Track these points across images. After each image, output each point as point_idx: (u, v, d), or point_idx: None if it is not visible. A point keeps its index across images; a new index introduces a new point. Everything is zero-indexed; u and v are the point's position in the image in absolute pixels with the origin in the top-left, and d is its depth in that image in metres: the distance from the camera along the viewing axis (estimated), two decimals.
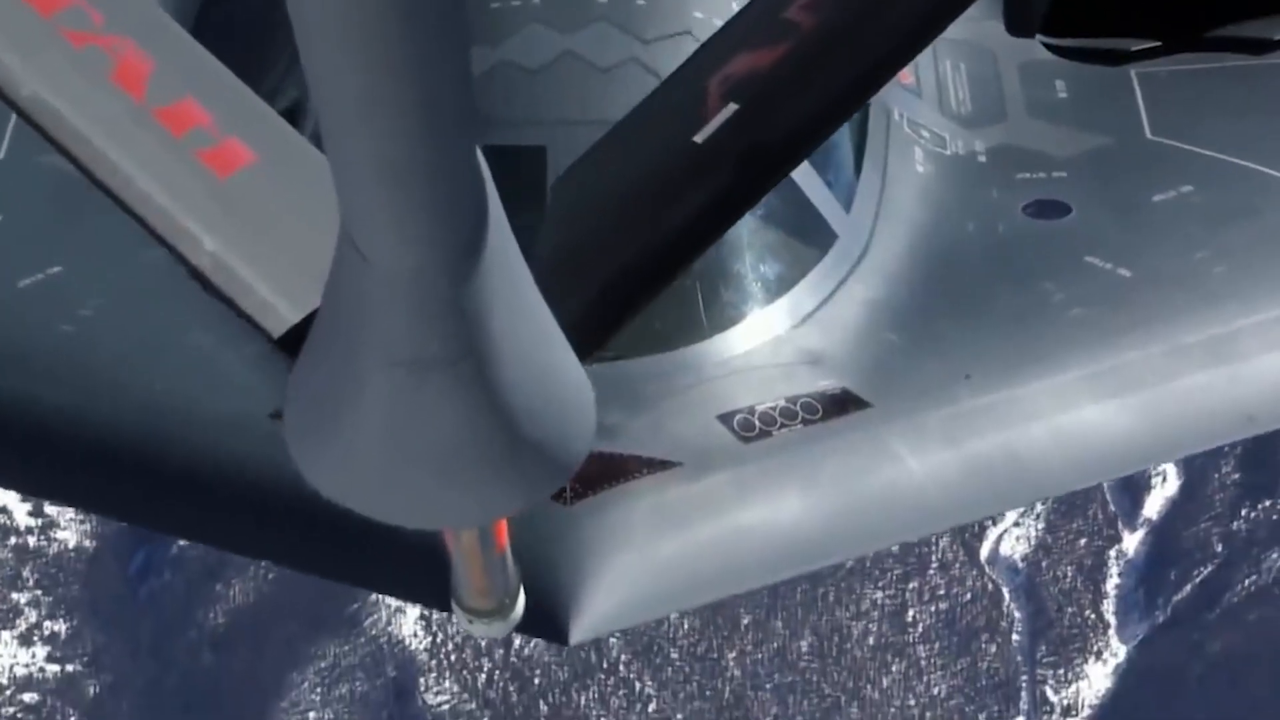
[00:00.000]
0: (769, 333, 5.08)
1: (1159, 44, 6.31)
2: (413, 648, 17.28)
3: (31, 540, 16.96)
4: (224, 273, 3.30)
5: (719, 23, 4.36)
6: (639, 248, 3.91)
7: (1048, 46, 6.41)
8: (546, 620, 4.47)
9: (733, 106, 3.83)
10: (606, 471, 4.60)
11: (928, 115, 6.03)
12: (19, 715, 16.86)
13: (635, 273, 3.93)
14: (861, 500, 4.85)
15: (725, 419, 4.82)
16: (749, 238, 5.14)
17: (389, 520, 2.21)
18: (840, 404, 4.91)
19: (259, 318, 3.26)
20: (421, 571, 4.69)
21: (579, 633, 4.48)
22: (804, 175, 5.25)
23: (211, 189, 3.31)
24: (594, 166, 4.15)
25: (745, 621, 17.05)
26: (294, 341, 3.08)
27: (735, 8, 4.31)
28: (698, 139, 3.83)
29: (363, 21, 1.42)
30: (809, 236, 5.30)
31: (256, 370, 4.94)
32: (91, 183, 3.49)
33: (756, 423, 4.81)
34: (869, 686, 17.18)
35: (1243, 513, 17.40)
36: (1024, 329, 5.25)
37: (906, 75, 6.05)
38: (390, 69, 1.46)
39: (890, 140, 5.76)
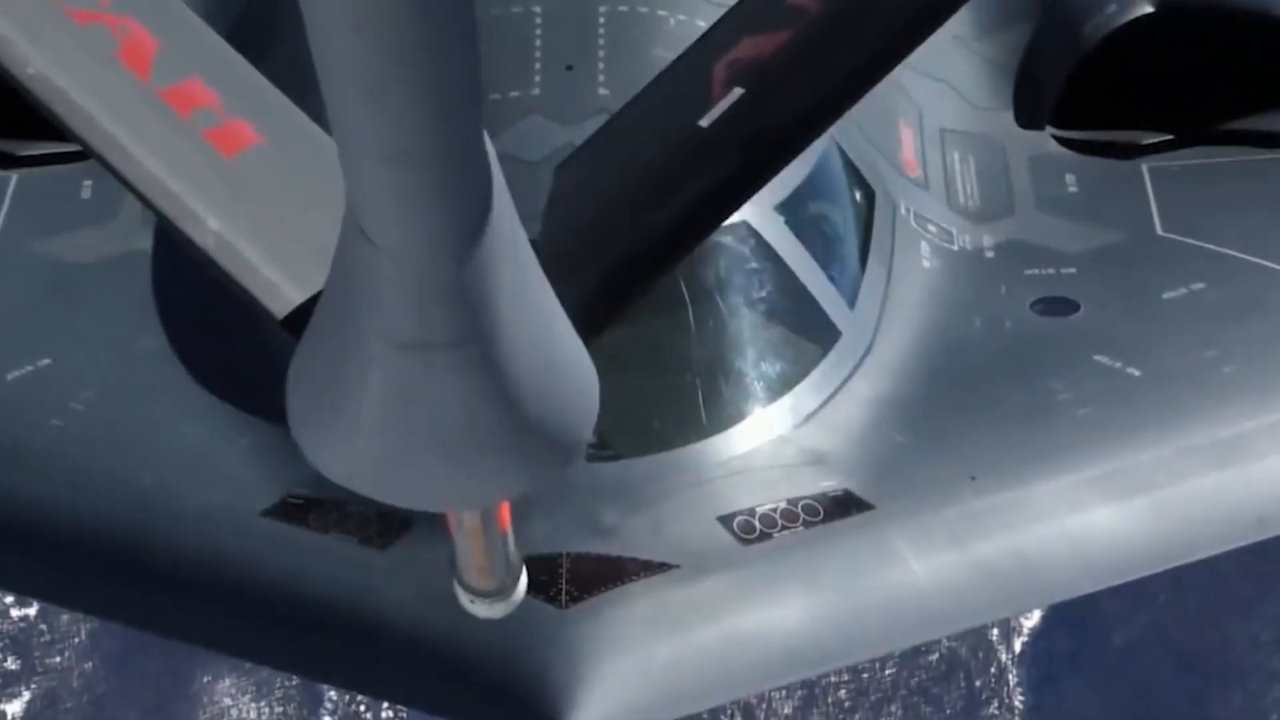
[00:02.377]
0: (770, 432, 5.01)
1: (1171, 137, 6.26)
2: None
3: None
4: (228, 253, 3.26)
5: None
6: (643, 232, 3.86)
7: (1058, 139, 6.35)
8: None
9: (738, 91, 3.79)
10: (603, 573, 4.53)
11: (935, 209, 5.96)
12: None
13: (640, 257, 3.88)
14: (864, 604, 4.77)
15: (725, 520, 4.75)
16: (751, 335, 5.08)
17: (393, 502, 2.22)
18: (843, 505, 4.84)
19: (263, 298, 3.22)
20: (416, 673, 4.61)
21: None
22: (807, 270, 5.20)
23: (217, 169, 3.29)
24: (599, 151, 4.11)
25: None
26: (298, 322, 3.04)
27: None
28: (703, 123, 3.78)
29: (371, 4, 1.41)
30: (812, 333, 5.23)
31: (249, 465, 4.93)
32: (97, 162, 3.47)
33: (757, 524, 4.73)
34: None
35: None
36: (1031, 428, 5.17)
37: (913, 168, 6.00)
38: (398, 51, 1.46)
39: (896, 235, 5.69)
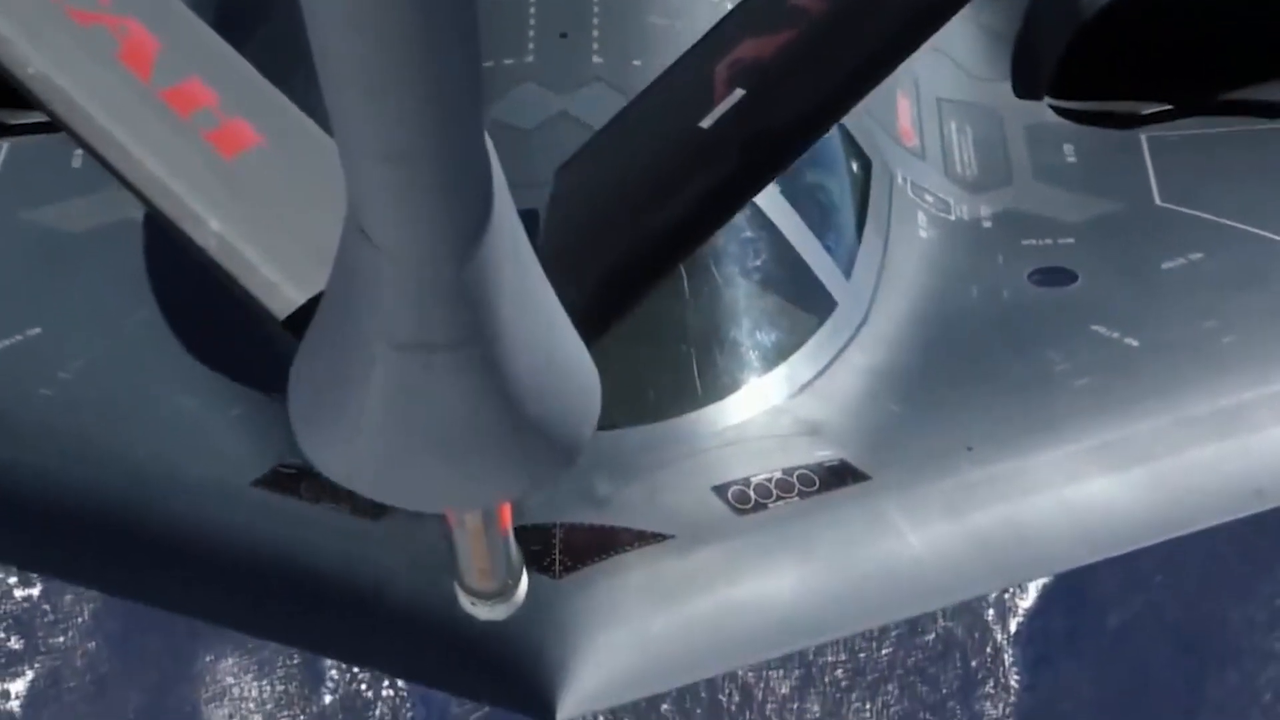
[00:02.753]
0: (766, 402, 4.98)
1: (1169, 107, 6.22)
2: None
3: None
4: (229, 253, 3.27)
5: None
6: (645, 233, 3.86)
7: (1056, 109, 6.31)
8: (533, 696, 4.37)
9: (740, 92, 3.79)
10: (597, 544, 4.51)
11: (932, 179, 5.93)
12: None
13: (641, 258, 3.88)
14: (859, 575, 4.73)
15: (720, 491, 4.72)
16: (746, 304, 5.05)
17: (394, 502, 2.21)
18: (838, 476, 4.81)
19: (264, 299, 3.22)
20: (410, 645, 4.59)
21: (566, 710, 4.36)
22: (803, 240, 5.18)
23: (217, 169, 3.29)
24: (600, 151, 4.11)
25: None
26: (299, 323, 3.05)
27: None
28: (704, 124, 3.78)
29: (371, 3, 1.41)
30: (807, 303, 5.20)
31: (240, 436, 4.89)
32: (96, 161, 3.48)
33: (752, 495, 4.71)
34: None
35: None
36: (1028, 399, 5.14)
37: (910, 137, 5.97)
38: (398, 51, 1.46)
39: (893, 205, 5.66)
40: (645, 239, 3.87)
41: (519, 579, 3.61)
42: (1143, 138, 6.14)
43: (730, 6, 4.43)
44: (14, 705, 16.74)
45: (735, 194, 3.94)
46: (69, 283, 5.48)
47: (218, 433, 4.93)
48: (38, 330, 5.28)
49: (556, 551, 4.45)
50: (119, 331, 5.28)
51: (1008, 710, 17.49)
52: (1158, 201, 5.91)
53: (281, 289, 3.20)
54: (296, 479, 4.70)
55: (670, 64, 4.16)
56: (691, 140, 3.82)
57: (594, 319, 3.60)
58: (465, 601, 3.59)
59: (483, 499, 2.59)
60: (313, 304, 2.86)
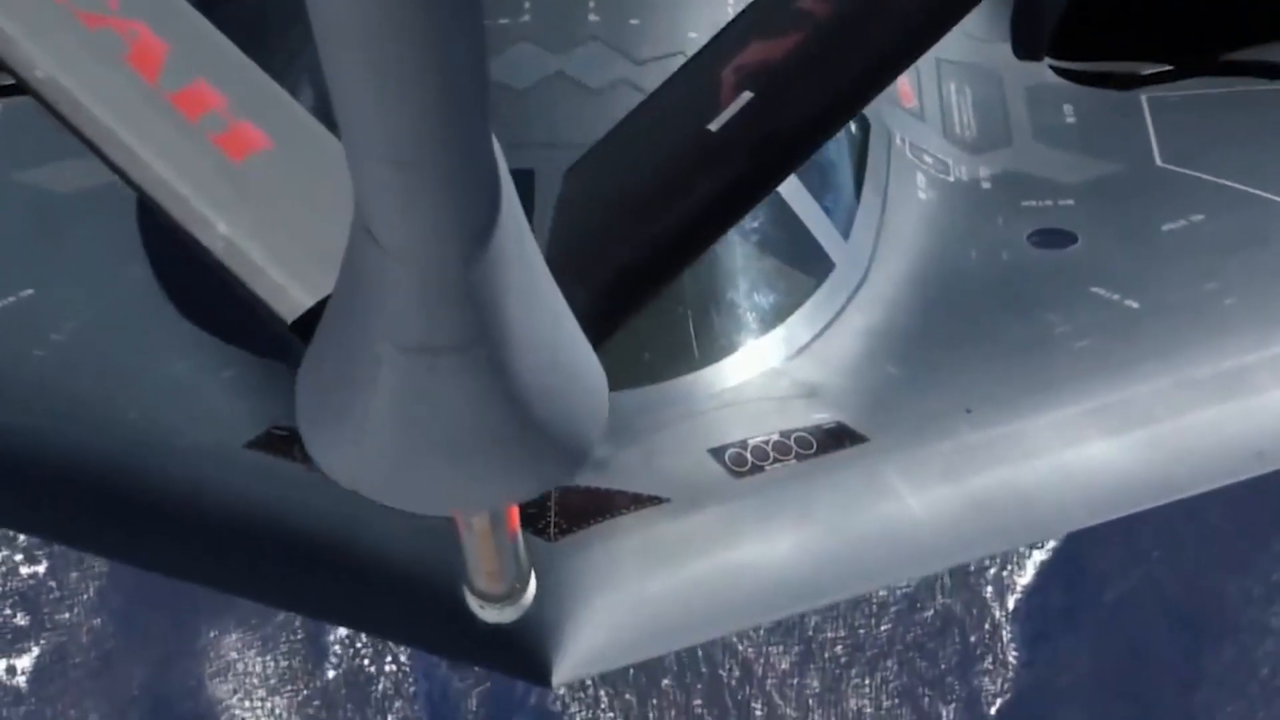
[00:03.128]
0: (763, 364, 4.95)
1: (1170, 68, 6.18)
2: None
3: None
4: (237, 256, 3.26)
5: None
6: (652, 236, 3.83)
7: (1056, 70, 6.27)
8: (528, 660, 4.35)
9: (747, 95, 3.77)
10: (592, 506, 4.48)
11: (931, 140, 5.88)
12: None
13: (648, 261, 3.85)
14: (857, 538, 4.70)
15: (716, 453, 4.69)
16: (743, 266, 5.01)
17: (401, 506, 2.21)
18: (836, 438, 4.77)
19: (272, 302, 3.21)
20: (402, 608, 4.57)
21: (562, 674, 4.34)
22: (801, 201, 5.14)
23: (225, 173, 3.29)
24: (607, 154, 4.08)
25: None
26: (307, 326, 3.05)
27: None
28: (712, 127, 3.77)
29: (379, 7, 1.42)
30: (805, 264, 5.16)
31: (233, 397, 4.86)
32: (105, 165, 3.48)
33: (749, 457, 4.67)
34: None
35: None
36: (1027, 361, 5.10)
37: (909, 98, 5.93)
38: (407, 55, 1.47)
39: (891, 166, 5.62)
40: (652, 242, 3.83)
41: (527, 582, 3.57)
42: (1143, 99, 6.10)
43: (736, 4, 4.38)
44: (20, 681, 16.84)
45: (743, 197, 3.91)
46: (62, 244, 5.45)
47: (211, 395, 4.90)
48: (30, 292, 5.25)
49: (552, 514, 4.42)
50: (112, 293, 5.25)
51: (1006, 685, 17.58)
52: (1158, 163, 5.87)
53: (289, 292, 3.18)
54: (290, 441, 4.66)
55: (679, 67, 4.14)
56: (699, 143, 3.80)
57: (600, 321, 3.58)
58: (473, 604, 3.55)
59: (490, 501, 2.59)
60: (320, 307, 2.87)
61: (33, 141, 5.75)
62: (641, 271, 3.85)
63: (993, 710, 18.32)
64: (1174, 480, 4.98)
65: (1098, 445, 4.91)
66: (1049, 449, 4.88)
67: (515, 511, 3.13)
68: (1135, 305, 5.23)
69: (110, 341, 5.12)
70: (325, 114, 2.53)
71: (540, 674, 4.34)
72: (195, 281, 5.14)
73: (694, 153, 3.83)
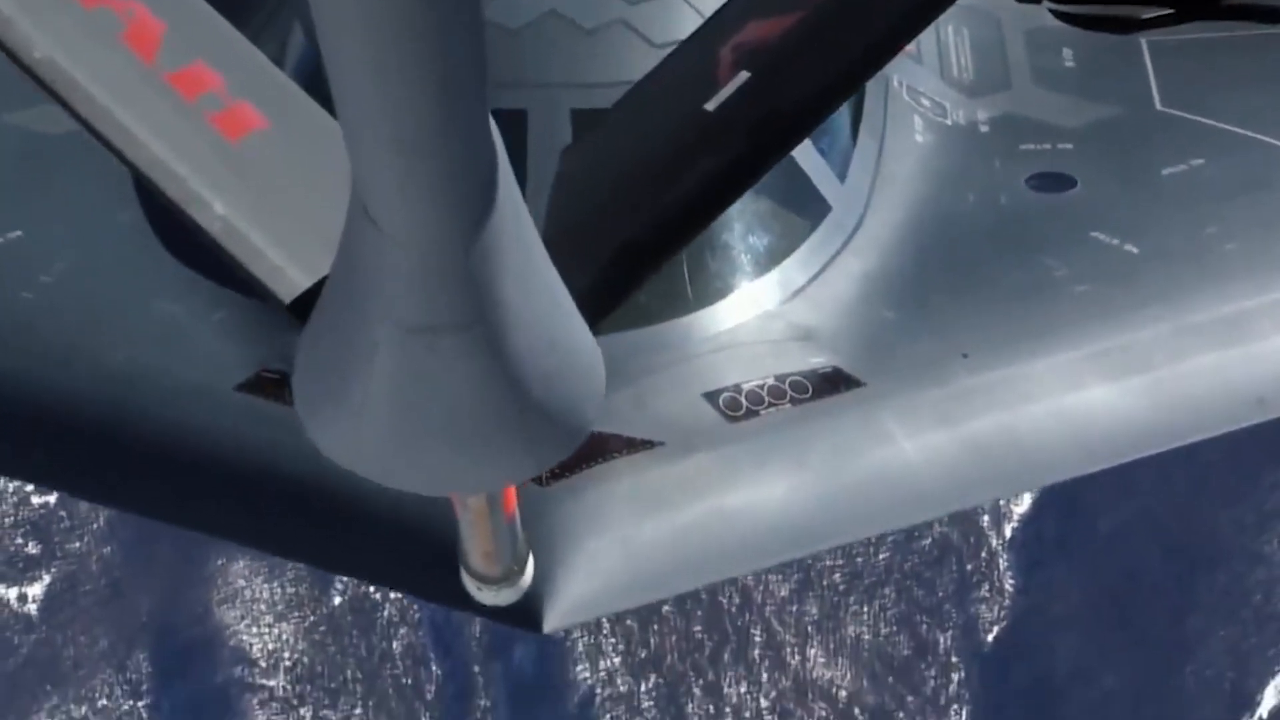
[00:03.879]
0: (758, 308, 4.91)
1: (1171, 11, 6.12)
2: None
3: None
4: (234, 237, 3.26)
5: None
6: (649, 215, 3.83)
7: (1055, 13, 6.22)
8: (519, 607, 4.17)
9: (745, 75, 3.76)
10: (584, 451, 4.37)
11: (928, 83, 5.83)
12: None
13: (645, 240, 3.84)
14: (853, 483, 4.67)
15: (711, 397, 4.65)
16: (738, 208, 4.91)
17: (399, 486, 2.20)
18: (832, 382, 4.73)
19: (269, 283, 3.21)
20: (392, 554, 4.54)
21: (553, 620, 4.32)
22: None
23: (222, 153, 3.28)
24: (605, 133, 4.08)
25: None
26: (305, 307, 3.02)
27: None
28: (709, 107, 3.76)
29: None
30: (801, 207, 5.11)
31: (223, 340, 4.82)
32: (102, 145, 3.47)
33: (743, 401, 4.64)
34: None
35: None
36: (1025, 306, 5.06)
37: None
38: (404, 34, 1.46)
39: (888, 108, 5.56)
40: (649, 222, 3.84)
41: (524, 563, 3.57)
42: (1143, 42, 6.05)
43: None
44: (31, 608, 17.02)
45: (740, 177, 3.91)
46: (50, 185, 5.39)
47: (200, 337, 4.87)
48: (19, 233, 5.20)
49: None
50: (101, 234, 5.20)
51: (1002, 613, 17.74)
52: (1158, 106, 5.82)
53: (286, 273, 3.18)
54: (280, 383, 4.64)
55: (677, 45, 4.13)
56: (696, 123, 3.79)
57: (597, 302, 3.59)
58: (470, 586, 3.55)
59: (487, 482, 2.58)
60: (318, 288, 2.82)
61: (19, 83, 5.69)
62: (638, 251, 3.85)
63: (989, 637, 18.51)
64: (1173, 427, 4.95)
65: (1096, 391, 4.87)
66: (1047, 394, 4.84)
67: (513, 493, 3.12)
68: (1135, 250, 5.19)
69: (100, 283, 5.07)
70: (316, 89, 2.52)
71: (531, 620, 4.31)
72: (187, 222, 5.12)
73: (691, 132, 3.82)
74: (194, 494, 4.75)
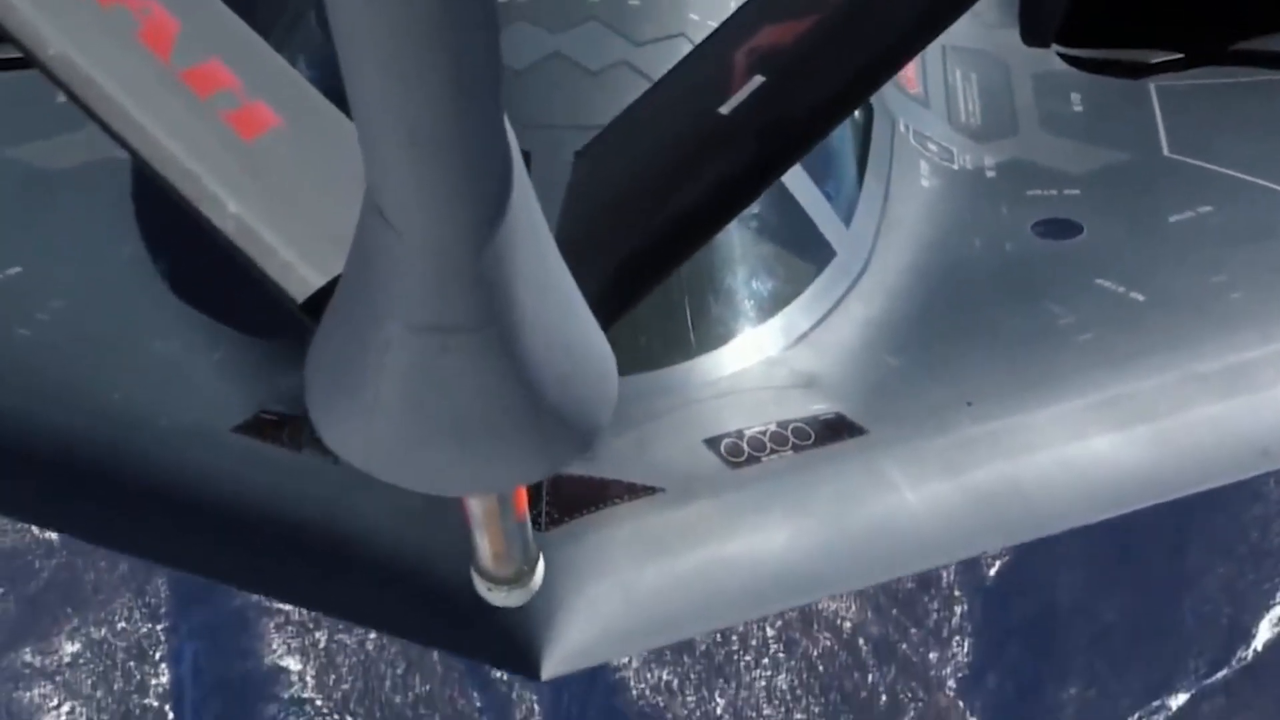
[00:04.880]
0: (760, 353, 4.88)
1: (1180, 56, 6.07)
2: None
3: None
4: (248, 236, 3.26)
5: (714, 25, 4.19)
6: (662, 218, 3.82)
7: (1064, 57, 6.16)
8: (517, 653, 4.29)
9: (759, 79, 3.74)
10: (584, 496, 4.41)
11: (935, 127, 5.80)
12: None
13: (658, 244, 3.84)
14: (855, 531, 4.63)
15: (712, 443, 4.62)
16: (741, 252, 4.92)
17: (410, 486, 2.20)
18: (834, 429, 4.70)
19: (282, 282, 3.21)
20: (392, 599, 4.51)
21: (552, 666, 4.28)
22: (801, 188, 5.04)
23: (237, 151, 3.29)
24: (618, 136, 4.06)
25: None
26: (317, 306, 3.06)
27: (733, 9, 4.16)
28: (723, 111, 3.74)
29: None
30: (805, 252, 5.07)
31: (222, 380, 4.79)
32: (116, 143, 3.48)
33: (745, 447, 4.61)
34: None
35: None
36: (1030, 353, 5.02)
37: (914, 84, 5.82)
38: (419, 34, 1.47)
39: (895, 152, 5.52)
40: (662, 225, 3.82)
41: (535, 565, 3.59)
42: (1151, 87, 6.00)
43: None
44: (52, 534, 17.06)
45: (753, 181, 3.89)
46: (51, 221, 5.36)
47: (199, 376, 4.83)
48: (17, 269, 5.18)
49: (543, 503, 4.35)
50: (101, 271, 5.17)
51: (1004, 550, 17.87)
52: (1166, 153, 5.77)
53: (299, 271, 3.17)
54: (278, 425, 4.61)
55: (691, 49, 4.11)
56: (710, 127, 3.77)
57: (610, 303, 3.59)
58: (481, 587, 3.58)
59: (498, 483, 2.58)
60: (331, 287, 2.86)
61: (21, 117, 5.64)
62: (651, 254, 3.84)
63: (991, 572, 18.74)
64: (1177, 477, 4.91)
65: (1100, 440, 4.83)
66: (1050, 444, 4.80)
67: (523, 493, 3.13)
68: (1140, 298, 5.15)
69: (98, 320, 5.04)
70: (330, 88, 2.52)
71: (530, 667, 4.28)
72: (189, 258, 5.10)
73: (705, 136, 3.81)
74: (190, 536, 4.72)
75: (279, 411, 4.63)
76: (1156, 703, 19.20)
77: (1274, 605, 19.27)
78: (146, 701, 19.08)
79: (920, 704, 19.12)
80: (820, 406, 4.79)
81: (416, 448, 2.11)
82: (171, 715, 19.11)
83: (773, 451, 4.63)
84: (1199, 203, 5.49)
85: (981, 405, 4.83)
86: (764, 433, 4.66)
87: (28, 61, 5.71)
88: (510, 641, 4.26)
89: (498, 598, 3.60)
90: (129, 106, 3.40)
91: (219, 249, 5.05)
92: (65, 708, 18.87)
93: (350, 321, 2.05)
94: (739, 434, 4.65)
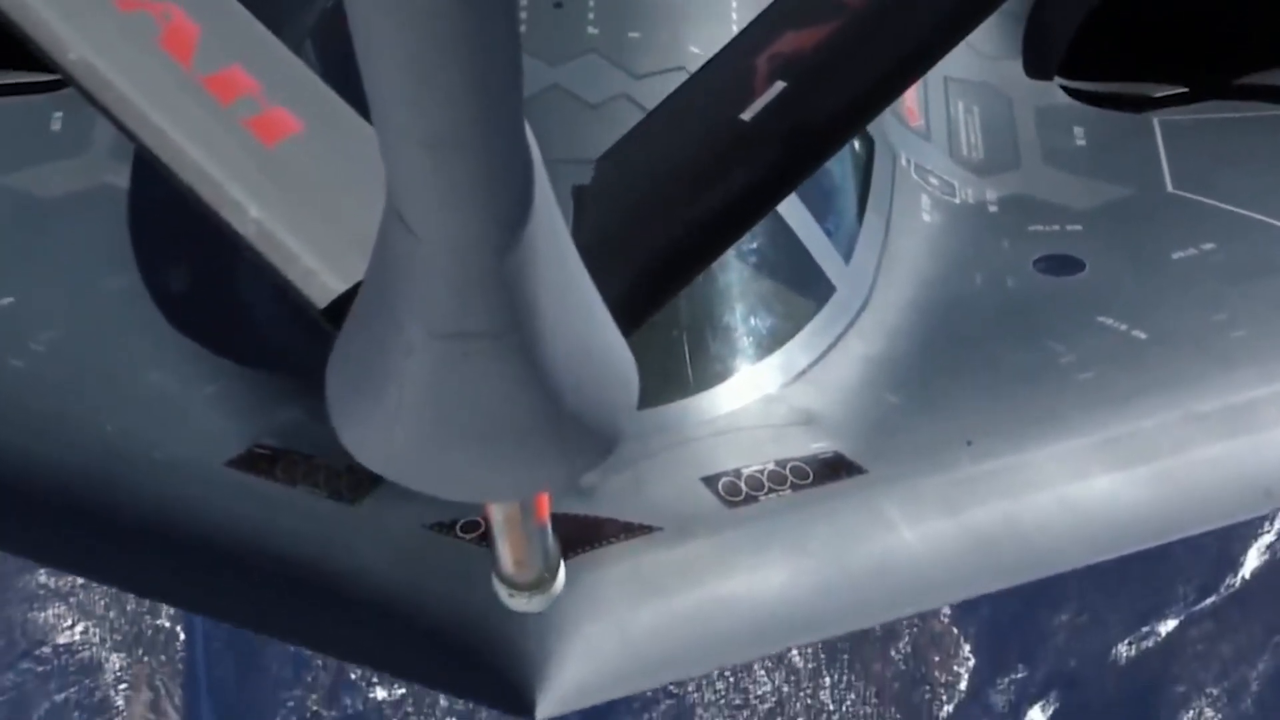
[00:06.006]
0: (759, 391, 4.82)
1: (1184, 90, 6.05)
2: None
3: None
4: (269, 241, 3.28)
5: None
6: (683, 224, 3.82)
7: (1067, 90, 6.15)
8: (511, 693, 4.23)
9: (780, 85, 3.76)
10: (580, 535, 4.36)
11: (937, 161, 5.76)
12: None
13: (679, 250, 3.84)
14: (853, 571, 4.58)
15: (709, 482, 4.57)
16: (741, 288, 4.89)
17: (432, 493, 2.20)
18: (833, 468, 4.65)
19: (303, 287, 3.22)
20: (386, 637, 4.46)
21: (546, 707, 4.21)
22: (801, 222, 5.01)
23: (258, 157, 3.31)
24: (639, 142, 4.07)
25: None
26: (339, 312, 3.07)
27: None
28: (745, 116, 3.77)
29: None
30: (805, 288, 5.03)
31: (217, 413, 4.74)
32: (137, 148, 3.49)
33: (743, 486, 4.56)
34: None
35: None
36: (1031, 391, 4.97)
37: (915, 117, 5.80)
38: (440, 39, 1.46)
39: (896, 186, 5.49)
40: (684, 231, 3.82)
41: (556, 571, 3.61)
42: (1155, 121, 5.98)
43: None
44: None
45: (775, 186, 3.90)
46: (44, 250, 5.32)
47: (192, 409, 4.79)
48: (10, 300, 5.13)
49: None
50: (95, 301, 5.13)
51: None
52: (1170, 188, 5.74)
53: (321, 277, 3.19)
54: (272, 460, 4.57)
55: (713, 55, 4.13)
56: (732, 132, 3.78)
57: (632, 310, 3.59)
58: (502, 592, 3.58)
59: (519, 490, 2.59)
60: (352, 293, 2.83)
61: (16, 144, 5.66)
62: (672, 260, 3.83)
63: None
64: (1178, 517, 4.86)
65: (1101, 480, 4.79)
66: (1051, 483, 4.76)
67: (545, 499, 3.12)
68: (1143, 336, 5.10)
69: (91, 352, 5.00)
70: (351, 94, 2.50)
71: (524, 708, 4.21)
72: (185, 288, 5.05)
73: (726, 141, 3.82)
74: (182, 571, 4.67)
75: (273, 446, 4.60)
76: (1146, 629, 20.00)
77: (1261, 534, 20.08)
78: (159, 622, 19.66)
79: (915, 629, 19.88)
80: (819, 445, 4.73)
81: (437, 454, 2.11)
82: (183, 636, 19.72)
83: (771, 491, 4.58)
84: (1202, 239, 5.44)
85: (981, 444, 4.79)
86: (762, 471, 4.61)
87: (21, 88, 5.74)
88: (505, 682, 4.21)
89: (519, 604, 3.61)
90: (150, 112, 3.42)
91: (215, 279, 4.98)
92: (79, 628, 19.50)
93: (371, 327, 2.05)
94: (737, 473, 4.60)
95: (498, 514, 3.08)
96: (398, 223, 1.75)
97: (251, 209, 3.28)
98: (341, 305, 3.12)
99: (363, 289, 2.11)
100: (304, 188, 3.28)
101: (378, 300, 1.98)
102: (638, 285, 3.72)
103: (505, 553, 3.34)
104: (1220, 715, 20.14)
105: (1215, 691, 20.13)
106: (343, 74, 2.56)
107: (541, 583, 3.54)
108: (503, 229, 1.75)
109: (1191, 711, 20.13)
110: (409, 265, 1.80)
